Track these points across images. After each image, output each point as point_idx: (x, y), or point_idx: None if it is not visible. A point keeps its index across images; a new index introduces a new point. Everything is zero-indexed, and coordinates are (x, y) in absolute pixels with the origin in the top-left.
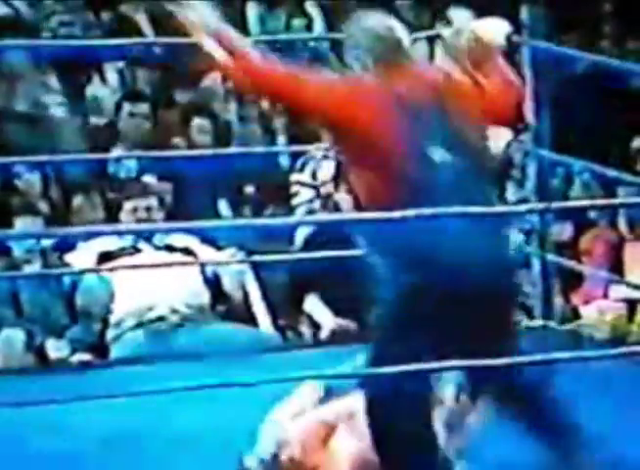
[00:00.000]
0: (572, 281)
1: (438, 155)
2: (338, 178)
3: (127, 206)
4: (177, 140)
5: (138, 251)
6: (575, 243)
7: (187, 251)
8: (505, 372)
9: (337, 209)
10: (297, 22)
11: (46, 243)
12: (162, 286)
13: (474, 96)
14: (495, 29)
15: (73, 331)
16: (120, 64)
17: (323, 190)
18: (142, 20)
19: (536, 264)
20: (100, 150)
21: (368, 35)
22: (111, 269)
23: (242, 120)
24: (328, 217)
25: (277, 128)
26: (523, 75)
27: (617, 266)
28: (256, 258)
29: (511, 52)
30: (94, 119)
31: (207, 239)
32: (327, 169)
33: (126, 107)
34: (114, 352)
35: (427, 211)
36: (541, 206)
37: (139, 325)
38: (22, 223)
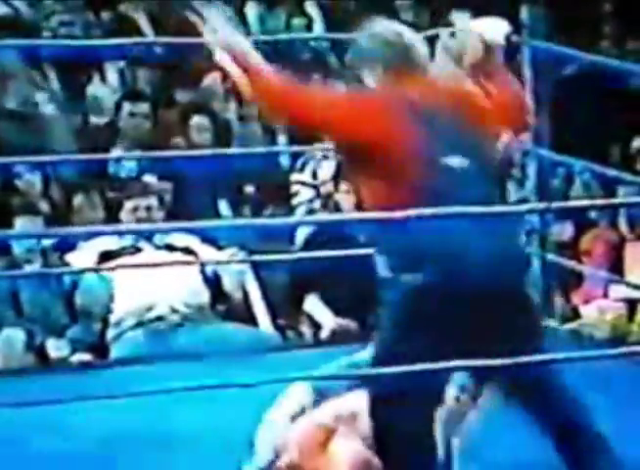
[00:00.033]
0: (573, 281)
1: (454, 160)
2: (338, 178)
3: (128, 205)
4: (177, 140)
5: (138, 250)
6: (576, 243)
7: (187, 250)
8: (516, 370)
9: (337, 208)
10: (297, 21)
11: (46, 243)
12: (162, 285)
13: (483, 101)
14: (495, 29)
15: (74, 331)
16: (121, 63)
17: (323, 190)
18: (142, 19)
19: (536, 264)
20: (100, 149)
21: (377, 42)
22: (111, 269)
23: (242, 120)
24: (328, 217)
25: (277, 128)
26: (522, 78)
27: (617, 266)
28: (257, 257)
29: (511, 52)
30: (94, 119)
31: (208, 239)
32: (327, 169)
33: (126, 106)
34: (114, 352)
35: (427, 211)
36: (542, 206)
37: (139, 325)
38: (22, 223)
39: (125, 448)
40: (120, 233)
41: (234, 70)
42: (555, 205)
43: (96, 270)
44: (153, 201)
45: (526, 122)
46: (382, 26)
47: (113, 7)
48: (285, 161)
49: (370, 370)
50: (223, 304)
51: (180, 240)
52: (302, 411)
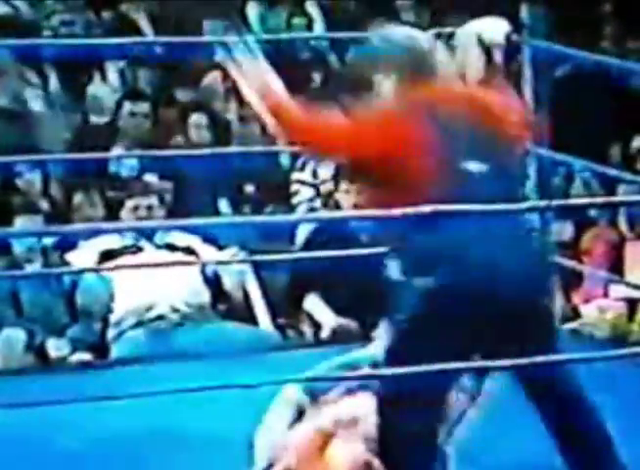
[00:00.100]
0: (573, 280)
1: (472, 165)
2: (338, 177)
3: (129, 204)
4: (178, 139)
5: (139, 250)
6: (576, 243)
7: (188, 250)
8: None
9: (337, 207)
10: (298, 21)
11: (47, 242)
12: (163, 285)
13: (497, 107)
14: (495, 29)
15: (74, 330)
16: (121, 63)
17: (323, 189)
18: (142, 19)
19: None
20: (100, 149)
21: (392, 47)
22: (111, 269)
23: (242, 120)
24: (329, 215)
25: None
26: (522, 80)
27: (617, 265)
28: (257, 257)
29: (511, 52)
30: (94, 118)
31: (209, 238)
32: (327, 168)
33: (127, 106)
34: (115, 352)
35: (425, 208)
36: (542, 204)
37: (139, 324)
38: (22, 222)
39: (125, 449)
40: (121, 232)
41: (263, 111)
42: (555, 203)
43: (97, 270)
44: (153, 200)
45: (528, 136)
46: (397, 31)
47: (113, 6)
48: (285, 160)
49: (370, 371)
50: (224, 303)
51: (181, 239)
52: (298, 414)
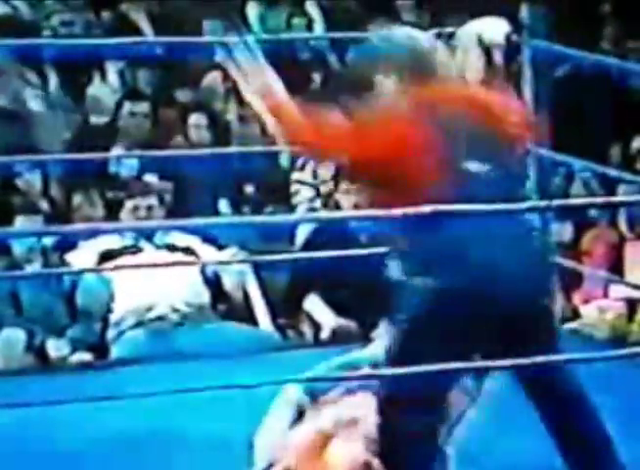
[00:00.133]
0: (573, 281)
1: (474, 165)
2: (338, 177)
3: (128, 205)
4: (178, 139)
5: (139, 250)
6: (576, 243)
7: (188, 250)
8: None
9: (337, 207)
10: (298, 21)
11: (47, 242)
12: (163, 285)
13: (496, 108)
14: (494, 29)
15: (74, 330)
16: (121, 63)
17: (323, 189)
18: (142, 19)
19: None
20: (100, 149)
21: (394, 47)
22: (111, 269)
23: (242, 120)
24: (329, 215)
25: None
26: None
27: (617, 266)
28: (257, 258)
29: (511, 52)
30: (94, 119)
31: (209, 239)
32: (327, 168)
33: (127, 106)
34: (115, 352)
35: (425, 208)
36: (542, 204)
37: (139, 324)
38: (22, 223)
39: (125, 449)
40: (121, 233)
41: (264, 111)
42: (556, 202)
43: (96, 271)
44: (153, 200)
45: (529, 136)
46: (398, 31)
47: (113, 7)
48: (285, 161)
49: (371, 371)
50: (224, 303)
51: (181, 240)
52: (298, 415)
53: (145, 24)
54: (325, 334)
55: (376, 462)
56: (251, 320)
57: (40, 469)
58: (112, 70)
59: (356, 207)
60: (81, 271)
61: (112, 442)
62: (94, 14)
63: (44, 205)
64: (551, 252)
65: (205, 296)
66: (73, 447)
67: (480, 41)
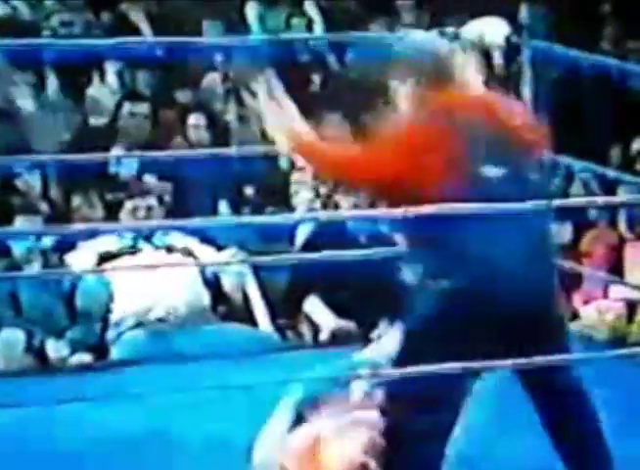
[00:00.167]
0: (572, 282)
1: (491, 170)
2: None
3: (128, 205)
4: (177, 140)
5: (138, 251)
6: (576, 244)
7: (187, 251)
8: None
9: (337, 208)
10: (297, 21)
11: (46, 243)
12: (162, 286)
13: (511, 113)
14: (494, 30)
15: (73, 331)
16: (120, 64)
17: (323, 190)
18: (142, 20)
19: None
20: (100, 150)
21: (411, 52)
22: (110, 270)
23: (241, 120)
24: (329, 215)
25: None
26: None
27: (617, 266)
28: (257, 259)
29: (511, 54)
30: (93, 120)
31: (208, 240)
32: None
33: (126, 106)
34: (114, 353)
35: (427, 208)
36: (542, 204)
37: (139, 325)
38: (22, 223)
39: (125, 449)
40: (120, 234)
41: (285, 145)
42: (555, 202)
43: (96, 272)
44: (153, 201)
45: (545, 142)
46: (419, 35)
47: (112, 7)
48: (284, 162)
49: (371, 372)
50: (223, 305)
51: (180, 241)
52: (298, 418)
53: (144, 25)
54: (324, 335)
55: (373, 464)
56: (251, 321)
57: (40, 469)
58: (111, 70)
59: (356, 207)
60: (81, 272)
61: (112, 442)
62: (93, 14)
63: (44, 205)
64: (555, 254)
65: (204, 297)
66: (73, 447)
67: (480, 42)
